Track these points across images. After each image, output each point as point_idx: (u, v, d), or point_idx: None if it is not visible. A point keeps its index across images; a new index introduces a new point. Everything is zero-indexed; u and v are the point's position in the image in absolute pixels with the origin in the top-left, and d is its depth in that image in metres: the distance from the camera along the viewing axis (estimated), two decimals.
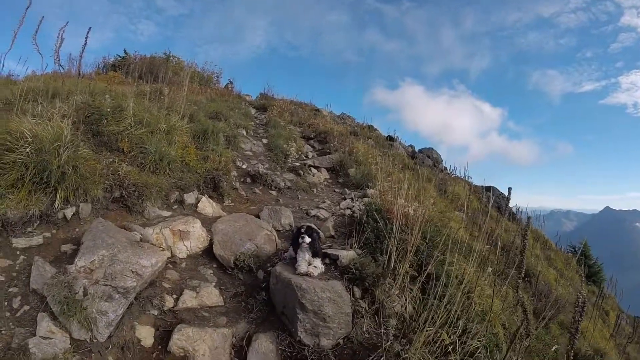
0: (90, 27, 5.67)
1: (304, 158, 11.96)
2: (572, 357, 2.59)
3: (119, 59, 17.03)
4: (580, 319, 2.43)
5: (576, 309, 2.42)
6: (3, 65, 5.90)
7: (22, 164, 4.66)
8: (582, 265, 12.85)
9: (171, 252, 5.32)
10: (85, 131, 6.31)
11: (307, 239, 4.80)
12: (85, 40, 5.64)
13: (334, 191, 10.12)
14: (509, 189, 5.03)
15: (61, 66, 5.76)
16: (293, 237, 5.14)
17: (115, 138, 6.49)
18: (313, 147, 13.44)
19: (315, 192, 9.63)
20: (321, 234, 6.25)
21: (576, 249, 16.29)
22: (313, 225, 5.58)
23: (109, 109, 6.72)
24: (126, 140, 6.47)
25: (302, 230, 4.92)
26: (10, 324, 3.62)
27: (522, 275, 3.24)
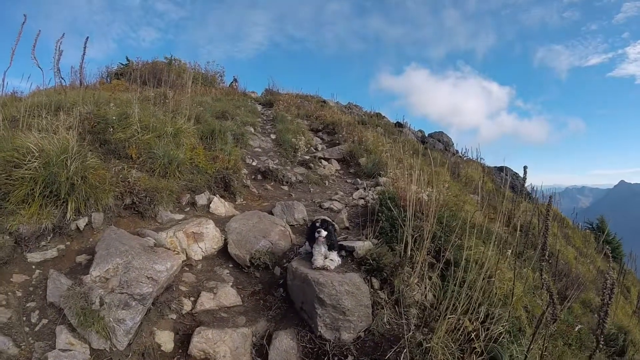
0: (87, 37, 5.68)
1: (314, 151, 11.95)
2: (601, 341, 2.51)
3: (122, 66, 17.09)
4: (609, 302, 2.34)
5: (604, 291, 2.33)
6: (7, 83, 5.90)
7: (30, 179, 4.65)
8: (602, 242, 12.65)
9: (186, 254, 5.32)
10: (92, 141, 6.32)
11: (324, 233, 4.73)
12: (84, 50, 5.64)
13: (346, 182, 10.08)
14: (525, 167, 4.92)
15: (62, 79, 5.77)
16: (308, 232, 5.08)
17: (123, 145, 6.49)
18: (322, 139, 13.41)
19: (327, 184, 9.59)
20: (336, 226, 6.21)
21: (593, 225, 16.08)
22: (327, 218, 5.53)
23: (114, 117, 6.72)
24: (134, 146, 6.47)
25: (317, 224, 4.85)
26: (30, 338, 3.63)
27: (546, 257, 3.16)
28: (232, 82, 20.61)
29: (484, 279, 4.35)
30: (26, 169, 4.66)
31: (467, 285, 4.17)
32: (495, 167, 16.67)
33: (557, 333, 5.47)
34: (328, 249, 4.75)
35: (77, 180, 4.94)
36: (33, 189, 4.63)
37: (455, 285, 4.26)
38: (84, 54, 5.71)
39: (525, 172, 4.72)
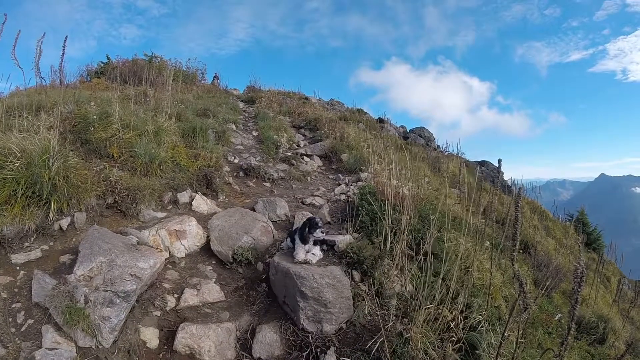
0: (66, 37, 5.63)
1: (296, 147, 11.99)
2: (573, 328, 2.63)
3: (102, 65, 16.91)
4: (579, 290, 2.45)
5: (575, 279, 2.45)
6: None
7: (13, 180, 4.65)
8: (581, 232, 12.94)
9: (169, 252, 5.36)
10: (74, 140, 6.31)
11: (321, 233, 4.82)
12: (63, 49, 5.61)
13: (328, 178, 10.16)
14: (499, 160, 5.05)
15: (42, 78, 5.73)
16: (299, 231, 5.00)
17: (104, 144, 6.49)
18: (304, 135, 13.46)
19: (309, 180, 9.67)
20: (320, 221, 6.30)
21: (574, 217, 16.39)
22: (310, 214, 5.61)
23: (95, 116, 6.71)
24: (115, 145, 6.48)
25: (319, 223, 4.87)
26: (16, 339, 3.65)
27: (517, 246, 3.27)
28: (214, 79, 20.56)
29: (461, 269, 4.47)
30: (8, 170, 4.65)
31: (443, 276, 4.29)
32: (476, 161, 16.91)
33: (537, 321, 5.62)
34: (312, 244, 4.83)
35: (59, 180, 4.95)
36: (16, 190, 4.63)
37: (433, 275, 4.37)
38: (63, 53, 5.68)
39: (499, 164, 4.86)
